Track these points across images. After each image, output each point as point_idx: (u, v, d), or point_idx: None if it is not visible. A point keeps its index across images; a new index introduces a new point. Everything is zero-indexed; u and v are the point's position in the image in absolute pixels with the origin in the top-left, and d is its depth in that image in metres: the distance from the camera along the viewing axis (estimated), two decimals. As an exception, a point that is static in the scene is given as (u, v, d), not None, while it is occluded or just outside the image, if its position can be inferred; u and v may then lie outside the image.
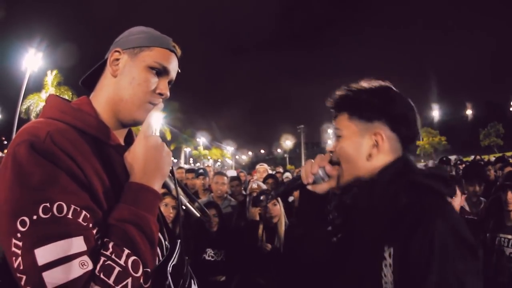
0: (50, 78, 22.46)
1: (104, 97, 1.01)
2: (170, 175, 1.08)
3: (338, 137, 1.09)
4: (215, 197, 4.29)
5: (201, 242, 3.14)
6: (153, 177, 0.91)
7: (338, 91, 1.11)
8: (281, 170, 9.13)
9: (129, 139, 1.12)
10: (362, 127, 1.03)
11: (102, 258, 0.74)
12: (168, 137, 35.44)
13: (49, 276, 0.68)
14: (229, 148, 65.41)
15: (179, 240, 1.10)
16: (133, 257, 0.77)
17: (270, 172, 6.11)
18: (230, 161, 64.61)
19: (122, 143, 1.05)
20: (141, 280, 0.76)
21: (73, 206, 0.74)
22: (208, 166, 6.94)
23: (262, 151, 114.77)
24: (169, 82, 1.07)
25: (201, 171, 5.19)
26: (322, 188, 1.13)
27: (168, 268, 0.94)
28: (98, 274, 0.72)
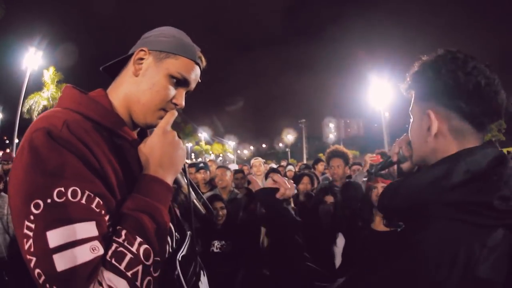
0: (48, 75, 22.43)
1: (122, 93, 1.02)
2: (182, 171, 1.11)
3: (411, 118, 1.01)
4: (220, 190, 4.38)
5: (209, 235, 3.20)
6: (167, 171, 0.94)
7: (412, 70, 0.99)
8: (284, 164, 9.19)
9: (143, 133, 1.14)
10: (422, 107, 0.91)
11: (114, 245, 0.76)
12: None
13: (59, 259, 0.69)
14: (230, 143, 65.53)
15: (189, 232, 1.15)
16: (145, 246, 0.78)
17: (263, 165, 6.17)
18: (231, 156, 64.71)
19: (136, 137, 1.06)
20: (151, 269, 0.78)
21: (87, 192, 0.76)
22: (210, 160, 6.96)
23: (264, 145, 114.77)
24: (187, 92, 1.09)
25: (201, 165, 5.26)
26: (405, 166, 1.18)
27: (178, 258, 0.98)
28: (109, 259, 0.74)
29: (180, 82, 1.03)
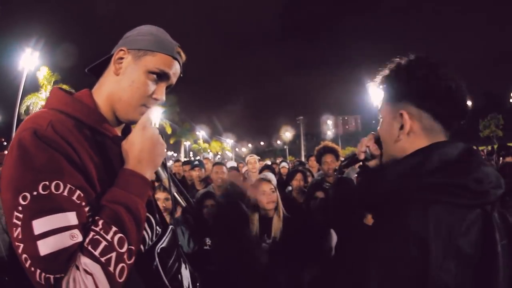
0: (42, 76, 22.33)
1: (105, 92, 1.08)
2: (163, 166, 1.17)
3: (380, 119, 1.08)
4: (215, 187, 4.37)
5: (201, 232, 3.19)
6: (146, 166, 1.00)
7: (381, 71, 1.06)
8: (278, 161, 9.19)
9: (128, 131, 1.20)
10: (394, 108, 0.98)
11: (92, 233, 0.83)
12: (169, 131, 35.48)
13: (42, 244, 0.77)
14: (228, 141, 65.43)
15: (171, 226, 1.20)
16: (119, 235, 0.85)
17: (258, 162, 6.17)
18: (230, 154, 64.63)
19: (120, 134, 1.13)
20: (125, 256, 0.84)
21: (68, 186, 0.84)
22: (206, 158, 6.98)
23: (262, 143, 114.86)
24: (169, 87, 1.15)
25: (196, 162, 5.29)
26: (372, 164, 1.21)
27: (157, 250, 1.05)
28: (86, 246, 0.81)
29: (159, 77, 1.08)
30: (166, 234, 1.15)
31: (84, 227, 0.83)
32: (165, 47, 1.09)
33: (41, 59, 20.62)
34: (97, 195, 0.91)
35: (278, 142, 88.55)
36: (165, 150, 1.08)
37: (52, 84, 22.68)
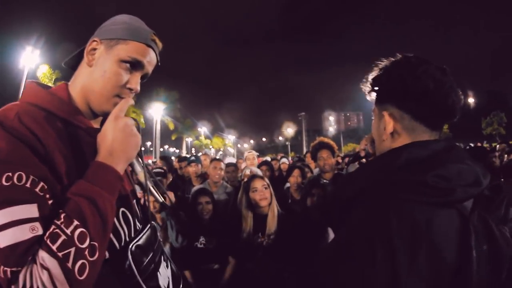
0: (41, 74, 22.35)
1: (79, 85, 1.06)
2: (139, 158, 1.14)
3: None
4: (211, 184, 4.29)
5: (194, 230, 3.11)
6: (117, 158, 0.95)
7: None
8: (279, 157, 9.12)
9: None
10: (380, 109, 1.02)
11: (52, 226, 0.79)
12: (171, 127, 35.55)
13: (2, 236, 0.75)
14: (230, 137, 65.51)
15: (150, 224, 1.15)
16: (80, 229, 0.80)
17: (256, 158, 6.07)
18: (232, 150, 64.73)
19: (98, 126, 1.09)
20: (86, 252, 0.80)
21: (31, 177, 0.81)
22: (204, 154, 6.90)
23: (264, 139, 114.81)
24: (144, 76, 1.11)
25: (192, 158, 5.21)
26: None
27: (130, 248, 0.99)
28: (45, 239, 0.77)
29: (133, 66, 1.05)
30: (144, 231, 1.10)
31: (46, 220, 0.80)
32: (138, 34, 1.06)
33: (42, 57, 20.74)
34: (64, 188, 0.87)
35: (280, 138, 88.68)
36: (140, 142, 1.03)
37: (53, 82, 22.76)
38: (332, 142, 4.00)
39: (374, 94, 1.04)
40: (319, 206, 3.01)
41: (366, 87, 1.05)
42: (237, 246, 2.69)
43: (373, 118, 1.08)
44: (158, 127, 31.47)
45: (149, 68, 1.10)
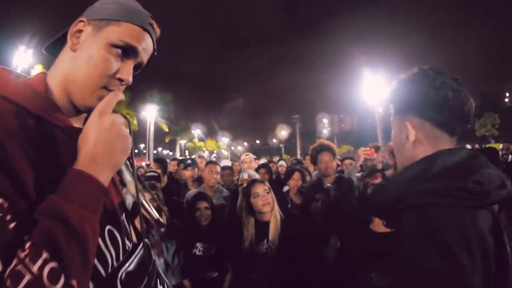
0: (34, 73, 22.13)
1: (59, 74, 0.86)
2: (128, 166, 0.94)
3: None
4: (206, 188, 4.08)
5: (192, 237, 2.97)
6: (101, 165, 0.75)
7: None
8: (276, 160, 8.98)
9: None
10: (400, 118, 1.06)
11: (15, 261, 0.58)
12: (165, 129, 35.29)
13: None
14: (224, 139, 65.30)
15: (142, 243, 0.94)
16: (52, 264, 0.60)
17: (253, 161, 5.91)
18: (225, 152, 64.50)
19: (80, 126, 0.88)
20: None
21: None
22: (201, 157, 6.69)
23: (258, 141, 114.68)
24: (138, 66, 0.93)
25: (189, 161, 5.01)
26: (388, 173, 1.27)
27: (119, 277, 0.80)
28: (5, 280, 0.57)
29: (125, 52, 0.87)
30: (136, 252, 0.90)
31: (6, 251, 0.59)
32: (133, 16, 0.88)
33: (35, 57, 20.37)
34: (32, 206, 0.66)
35: (274, 140, 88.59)
36: (130, 145, 0.83)
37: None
38: (332, 144, 3.87)
39: (394, 105, 1.08)
40: (325, 212, 2.88)
41: (389, 99, 1.10)
42: (238, 254, 2.53)
43: (392, 130, 1.11)
44: (151, 129, 31.16)
45: (144, 57, 0.92)
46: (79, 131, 0.80)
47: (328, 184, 3.35)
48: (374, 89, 23.17)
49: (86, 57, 0.83)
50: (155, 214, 1.01)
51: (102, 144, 0.76)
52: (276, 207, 2.64)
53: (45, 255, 0.59)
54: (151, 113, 31.25)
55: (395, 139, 1.10)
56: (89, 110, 0.85)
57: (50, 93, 0.85)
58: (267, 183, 2.72)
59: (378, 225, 2.47)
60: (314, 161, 3.89)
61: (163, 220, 1.04)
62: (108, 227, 0.82)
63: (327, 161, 3.65)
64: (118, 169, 0.82)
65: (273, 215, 2.59)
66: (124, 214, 0.95)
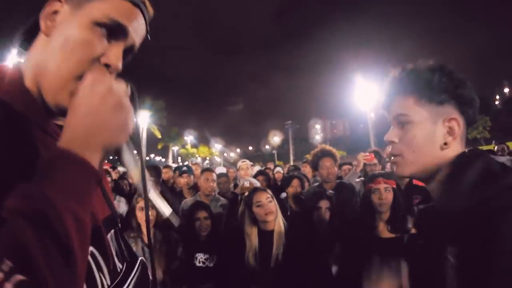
0: None
1: (31, 64, 0.70)
2: (132, 148, 0.74)
3: (404, 124, 0.95)
4: (202, 196, 3.92)
5: (191, 247, 2.86)
6: (91, 142, 0.58)
7: (397, 71, 1.00)
8: (271, 166, 8.89)
9: None
10: (434, 112, 0.92)
11: None
12: (158, 135, 35.06)
13: None
14: (217, 146, 65.13)
15: (140, 259, 0.81)
16: (18, 277, 0.41)
17: (250, 168, 5.79)
18: (218, 159, 64.27)
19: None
20: None
21: None
22: (194, 163, 6.58)
23: (250, 148, 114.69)
24: (129, 51, 0.75)
25: (184, 168, 4.89)
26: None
27: None
28: None
29: (112, 32, 0.69)
30: (132, 276, 0.75)
31: None
32: None
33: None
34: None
35: (267, 147, 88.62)
36: (133, 120, 0.66)
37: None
38: (334, 150, 3.79)
39: (427, 92, 0.93)
40: (329, 220, 2.79)
41: (412, 80, 0.95)
42: (241, 265, 2.42)
43: (408, 122, 0.94)
44: (144, 135, 30.91)
45: (136, 38, 0.74)
46: (60, 128, 0.66)
47: (330, 191, 3.27)
48: (366, 95, 23.35)
49: (61, 40, 0.66)
50: (167, 210, 0.83)
51: (92, 115, 0.59)
52: (280, 216, 2.55)
53: (8, 265, 0.42)
54: (143, 120, 31.05)
55: (426, 134, 0.92)
56: (61, 111, 0.67)
57: (23, 81, 0.69)
58: (269, 191, 2.63)
59: (383, 231, 2.40)
60: (315, 167, 3.81)
61: (173, 220, 0.88)
62: (90, 248, 0.63)
63: (328, 167, 3.58)
64: (114, 150, 0.65)
65: (277, 224, 2.50)
66: (113, 231, 0.79)
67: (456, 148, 0.92)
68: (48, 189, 0.49)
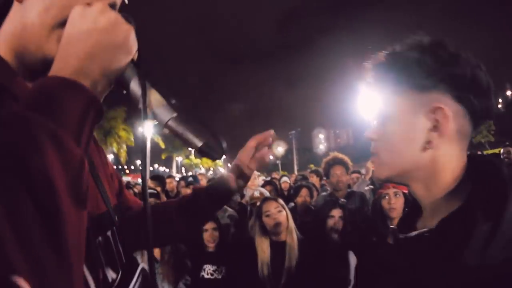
0: None
1: (5, 35, 0.64)
2: (137, 74, 0.61)
3: (383, 118, 0.76)
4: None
5: (198, 259, 2.77)
6: (86, 68, 0.51)
7: (376, 53, 0.78)
8: (277, 176, 8.80)
9: None
10: (415, 101, 0.70)
11: None
12: (162, 145, 35.12)
13: None
14: (220, 156, 65.10)
15: (140, 266, 0.71)
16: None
17: (257, 177, 5.70)
18: (222, 170, 64.27)
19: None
20: None
21: None
22: (200, 174, 6.54)
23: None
24: (112, 6, 0.68)
25: (190, 179, 4.86)
26: None
27: None
28: None
29: None
30: (131, 285, 0.67)
31: None
32: None
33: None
34: None
35: (271, 157, 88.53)
36: (133, 38, 0.57)
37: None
38: (346, 158, 3.71)
39: (407, 75, 0.71)
40: (342, 229, 2.69)
41: (389, 63, 0.74)
42: (254, 278, 2.32)
43: (383, 115, 0.76)
44: (148, 145, 31.02)
45: None
46: None
47: (342, 199, 3.18)
48: (369, 103, 23.38)
49: None
50: (198, 140, 0.68)
51: (84, 40, 0.52)
52: (293, 226, 2.47)
53: None
54: (148, 129, 31.20)
55: (403, 130, 0.72)
56: (46, 61, 0.59)
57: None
58: (280, 200, 2.54)
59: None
60: (326, 175, 3.74)
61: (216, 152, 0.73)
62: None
63: (339, 175, 3.51)
64: (116, 74, 0.56)
65: (289, 235, 2.40)
66: (109, 232, 0.70)
67: (447, 149, 0.69)
68: (42, 115, 0.42)
